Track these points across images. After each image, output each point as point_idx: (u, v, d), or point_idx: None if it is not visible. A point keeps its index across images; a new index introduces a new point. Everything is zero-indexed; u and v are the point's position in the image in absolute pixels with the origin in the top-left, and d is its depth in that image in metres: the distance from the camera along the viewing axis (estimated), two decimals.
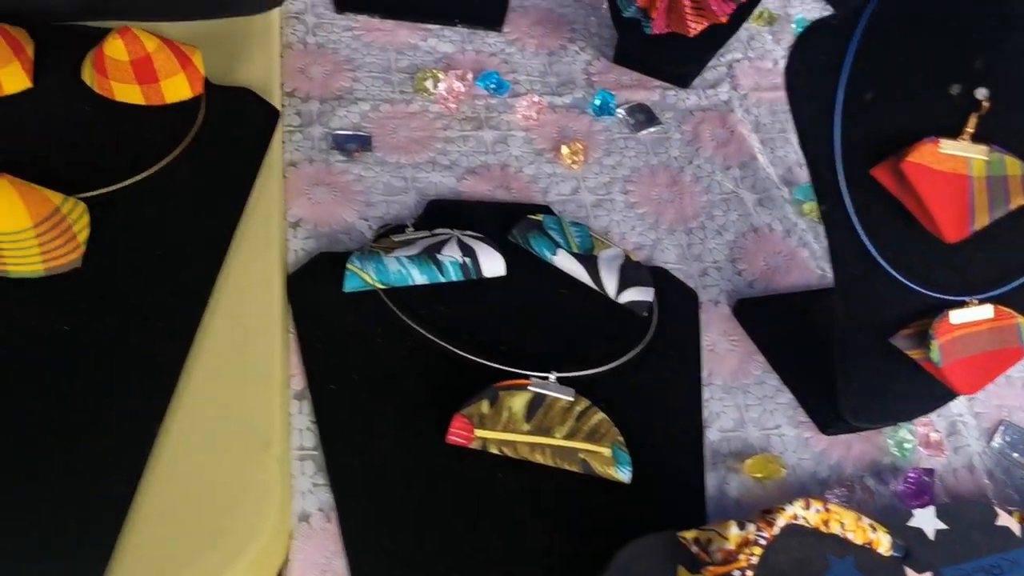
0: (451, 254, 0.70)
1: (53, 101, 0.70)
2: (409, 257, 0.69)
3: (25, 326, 0.58)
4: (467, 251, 0.71)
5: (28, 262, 0.59)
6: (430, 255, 0.70)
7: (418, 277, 0.70)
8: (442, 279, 0.70)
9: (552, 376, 0.65)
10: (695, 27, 0.86)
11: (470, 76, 0.88)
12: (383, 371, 0.66)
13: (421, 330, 0.67)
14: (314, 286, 0.69)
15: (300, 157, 0.79)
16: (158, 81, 0.69)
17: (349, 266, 0.69)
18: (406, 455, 0.62)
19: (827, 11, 1.08)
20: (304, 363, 0.66)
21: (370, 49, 0.91)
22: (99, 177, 0.66)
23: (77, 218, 0.61)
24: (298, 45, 0.89)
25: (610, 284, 0.72)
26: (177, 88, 0.70)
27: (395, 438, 0.63)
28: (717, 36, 0.89)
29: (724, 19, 0.85)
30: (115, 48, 0.67)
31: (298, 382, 0.65)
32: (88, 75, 0.70)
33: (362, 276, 0.68)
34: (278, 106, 0.77)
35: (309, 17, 0.92)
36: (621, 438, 0.64)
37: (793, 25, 1.04)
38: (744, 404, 0.71)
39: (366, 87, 0.87)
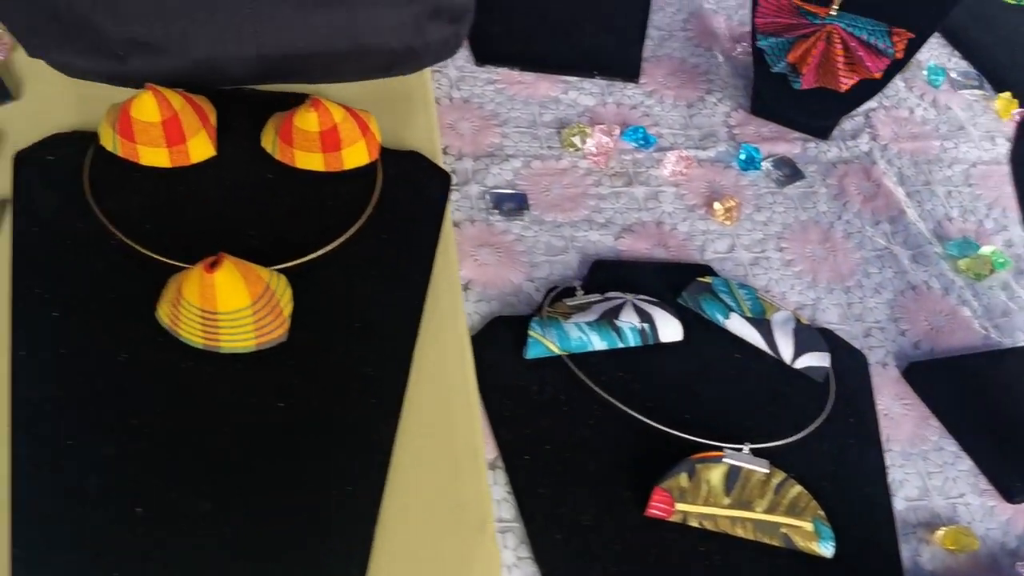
0: (629, 320, 0.70)
1: (236, 169, 0.71)
2: (588, 323, 0.70)
3: (239, 401, 0.59)
4: (644, 316, 0.71)
5: (242, 338, 0.60)
6: (608, 321, 0.70)
7: (598, 343, 0.70)
8: (620, 345, 0.70)
9: (746, 448, 0.65)
10: (846, 82, 0.86)
11: (616, 131, 0.88)
12: (573, 440, 0.66)
13: (611, 399, 0.67)
14: (495, 352, 0.69)
15: (462, 217, 0.79)
16: (341, 149, 0.70)
17: (531, 333, 0.69)
18: (607, 528, 0.62)
19: (955, 56, 1.07)
20: (494, 432, 0.66)
21: (514, 103, 0.91)
22: (289, 247, 0.66)
23: (283, 292, 0.62)
24: (444, 100, 0.89)
25: (786, 349, 0.72)
26: (357, 155, 0.71)
27: (594, 510, 0.63)
28: (864, 90, 0.88)
29: (878, 75, 0.85)
30: (307, 120, 0.67)
31: (490, 451, 0.65)
32: (270, 142, 0.71)
33: (544, 343, 0.69)
34: (441, 165, 0.77)
35: (451, 71, 0.92)
36: (822, 512, 0.63)
37: (925, 72, 1.03)
38: (926, 471, 0.71)
39: (515, 143, 0.87)
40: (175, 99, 0.67)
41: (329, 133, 0.68)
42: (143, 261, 0.64)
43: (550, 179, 0.85)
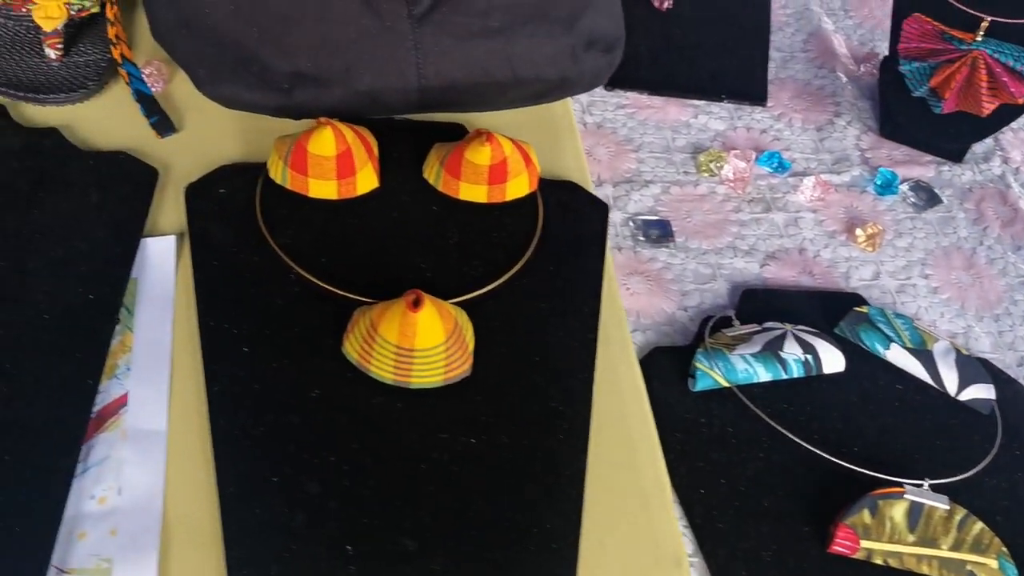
0: (792, 351, 0.70)
1: (400, 200, 0.71)
2: (753, 355, 0.69)
3: (431, 437, 0.59)
4: (807, 347, 0.70)
5: (432, 374, 0.60)
6: (773, 353, 0.70)
7: (763, 375, 0.69)
8: (784, 376, 0.70)
9: (926, 483, 0.65)
10: (988, 107, 0.85)
11: (751, 156, 0.88)
12: (747, 473, 0.66)
13: (787, 432, 0.67)
14: (660, 384, 0.70)
15: (609, 245, 0.79)
16: (506, 182, 0.70)
17: (699, 365, 0.69)
18: (790, 564, 0.62)
19: None
20: (668, 466, 0.65)
21: (646, 128, 0.91)
22: (460, 279, 0.67)
23: (466, 327, 0.62)
24: (578, 125, 0.90)
25: (950, 381, 0.72)
26: (519, 186, 0.71)
27: (775, 546, 0.62)
28: (1004, 115, 0.87)
29: (1021, 100, 0.84)
30: (480, 154, 0.68)
31: None
32: (432, 174, 0.72)
33: (712, 375, 0.68)
34: (590, 188, 0.77)
35: (582, 96, 0.93)
36: (1005, 549, 0.63)
37: None
38: None
39: (651, 168, 0.87)
40: (348, 133, 0.67)
41: (498, 167, 0.69)
42: (321, 295, 0.64)
43: (690, 205, 0.85)
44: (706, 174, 0.87)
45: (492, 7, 0.71)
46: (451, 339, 0.59)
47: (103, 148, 0.72)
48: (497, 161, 0.68)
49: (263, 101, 0.72)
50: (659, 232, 0.81)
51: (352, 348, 0.61)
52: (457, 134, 0.76)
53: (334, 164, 0.67)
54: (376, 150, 0.72)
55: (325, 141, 0.66)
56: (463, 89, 0.74)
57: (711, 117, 0.93)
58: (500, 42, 0.72)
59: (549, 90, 0.77)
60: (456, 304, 0.64)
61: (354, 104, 0.72)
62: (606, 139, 0.89)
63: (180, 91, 0.77)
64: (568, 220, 0.73)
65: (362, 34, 0.70)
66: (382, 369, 0.59)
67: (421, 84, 0.72)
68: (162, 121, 0.73)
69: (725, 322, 0.74)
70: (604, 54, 0.76)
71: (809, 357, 0.70)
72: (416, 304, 0.56)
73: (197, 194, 0.69)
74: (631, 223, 0.81)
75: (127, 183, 0.69)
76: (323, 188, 0.69)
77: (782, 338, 0.71)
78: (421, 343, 0.58)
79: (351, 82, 0.71)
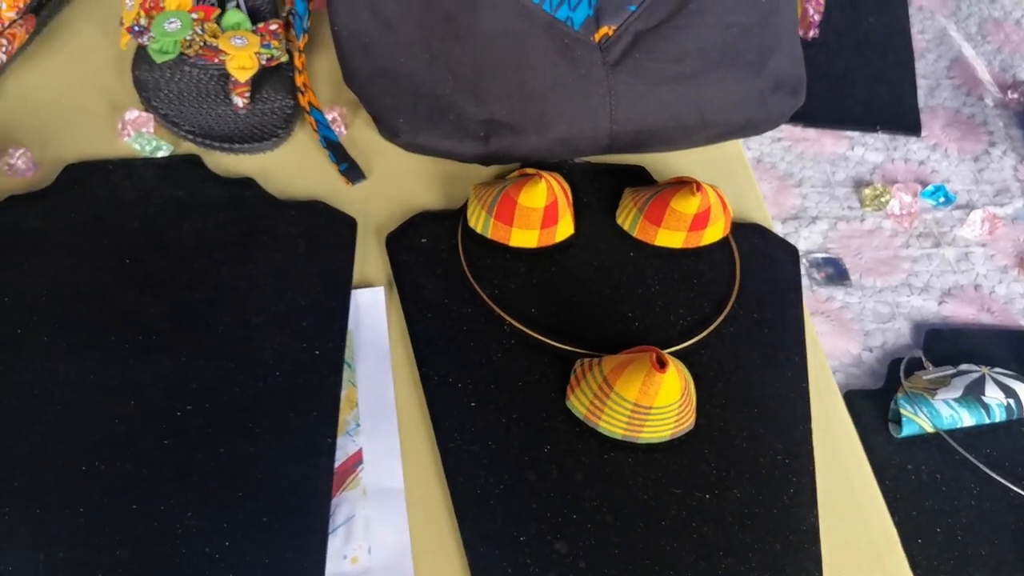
0: (994, 395, 0.69)
1: (596, 247, 0.71)
2: (956, 399, 0.69)
3: (664, 493, 0.59)
4: (1007, 391, 0.70)
5: (662, 429, 0.60)
6: (975, 397, 0.69)
7: (967, 420, 0.69)
8: (987, 421, 0.69)
9: None
10: None
11: (915, 189, 0.88)
12: (963, 522, 0.65)
13: (1003, 480, 0.66)
14: (860, 430, 0.69)
15: None
16: (705, 228, 0.70)
17: (903, 411, 0.68)
18: None
19: None
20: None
21: (804, 161, 0.91)
22: (666, 328, 0.67)
23: (689, 380, 0.62)
24: None
25: None
26: (715, 232, 0.71)
27: None
28: None
29: None
30: (687, 204, 0.68)
31: None
32: (628, 220, 0.72)
33: (918, 421, 0.68)
34: (772, 229, 0.77)
35: None
36: None
37: None
38: None
39: (815, 204, 0.87)
40: (555, 184, 0.67)
41: (702, 215, 0.69)
42: (537, 346, 0.65)
43: (859, 241, 0.84)
44: (871, 209, 0.87)
45: (684, 52, 0.71)
46: (684, 395, 0.59)
47: (297, 196, 0.72)
48: (702, 210, 0.68)
49: (459, 150, 0.72)
50: (833, 270, 0.81)
51: (579, 403, 0.61)
52: (642, 176, 0.76)
53: (541, 215, 0.67)
54: (571, 196, 0.72)
55: (538, 194, 0.66)
56: (651, 133, 0.74)
57: (867, 149, 0.93)
58: (691, 87, 0.72)
59: (733, 132, 0.77)
60: (671, 355, 0.64)
61: (546, 150, 0.73)
62: (767, 174, 0.88)
63: (362, 135, 0.77)
64: (762, 264, 0.73)
65: (557, 82, 0.70)
66: (613, 425, 0.60)
67: (613, 129, 0.72)
68: (352, 168, 0.74)
69: (916, 363, 0.74)
70: (790, 96, 0.76)
71: (1011, 401, 0.69)
72: (662, 365, 0.57)
73: (398, 244, 0.70)
74: (804, 261, 0.81)
75: (330, 233, 0.69)
76: (525, 237, 0.69)
77: (981, 382, 0.70)
78: (660, 401, 0.58)
79: (545, 129, 0.71)
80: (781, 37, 0.75)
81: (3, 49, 0.74)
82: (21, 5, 0.75)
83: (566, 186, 0.71)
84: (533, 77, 0.70)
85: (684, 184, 0.68)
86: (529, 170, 0.68)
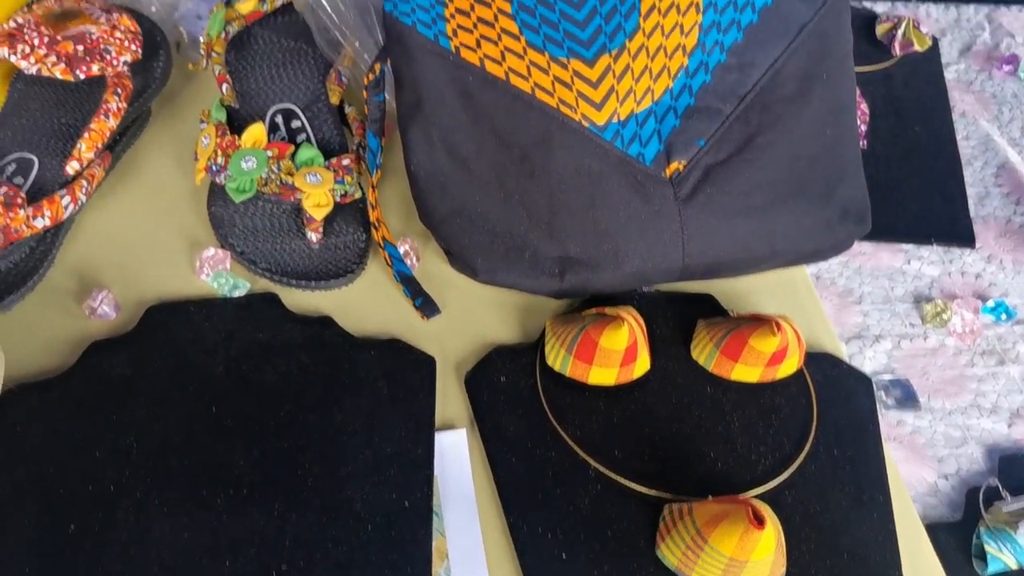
0: None
1: (672, 383, 0.72)
2: None
3: None
4: None
5: None
6: None
7: None
8: None
9: None
10: None
11: (975, 305, 0.88)
12: None
13: None
14: (945, 567, 0.69)
15: None
16: (781, 363, 0.70)
17: (987, 548, 0.68)
18: None
19: None
20: None
21: (862, 277, 0.91)
22: (750, 469, 0.67)
23: (780, 526, 0.62)
24: None
25: None
26: (790, 366, 0.72)
27: None
28: None
29: None
30: (768, 343, 0.68)
31: None
32: (703, 355, 0.72)
33: (1002, 558, 0.68)
34: (844, 357, 0.77)
35: None
36: None
37: None
38: None
39: (877, 321, 0.87)
40: (635, 325, 0.68)
41: (780, 352, 0.69)
42: (623, 491, 0.65)
43: (924, 361, 0.85)
44: (933, 326, 0.87)
45: (754, 186, 0.73)
46: (778, 546, 0.59)
47: (374, 333, 0.73)
48: (780, 348, 0.69)
49: (535, 287, 0.73)
50: (903, 394, 0.81)
51: (671, 553, 0.61)
52: (712, 305, 0.77)
53: (622, 355, 0.68)
54: (646, 331, 0.72)
55: (620, 337, 0.67)
56: (721, 264, 0.75)
57: (923, 262, 0.93)
58: (761, 220, 0.73)
59: (801, 259, 0.78)
60: (758, 498, 0.64)
61: (620, 284, 0.74)
62: (827, 291, 0.89)
63: (434, 266, 0.78)
64: (838, 397, 0.73)
65: (631, 219, 0.71)
66: None
67: (685, 262, 0.73)
68: (427, 303, 0.75)
69: (993, 493, 0.73)
70: (856, 225, 0.77)
71: None
72: (760, 522, 0.56)
73: (477, 383, 0.70)
74: (874, 384, 0.81)
75: (410, 374, 0.70)
76: (604, 375, 0.69)
77: None
78: (757, 556, 0.58)
79: (620, 265, 0.72)
80: (846, 166, 0.76)
81: (84, 190, 0.75)
82: (100, 144, 0.77)
83: (642, 322, 0.71)
84: (607, 214, 0.71)
85: (762, 322, 0.69)
86: (608, 310, 0.69)
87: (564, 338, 0.69)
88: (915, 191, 0.99)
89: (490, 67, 0.71)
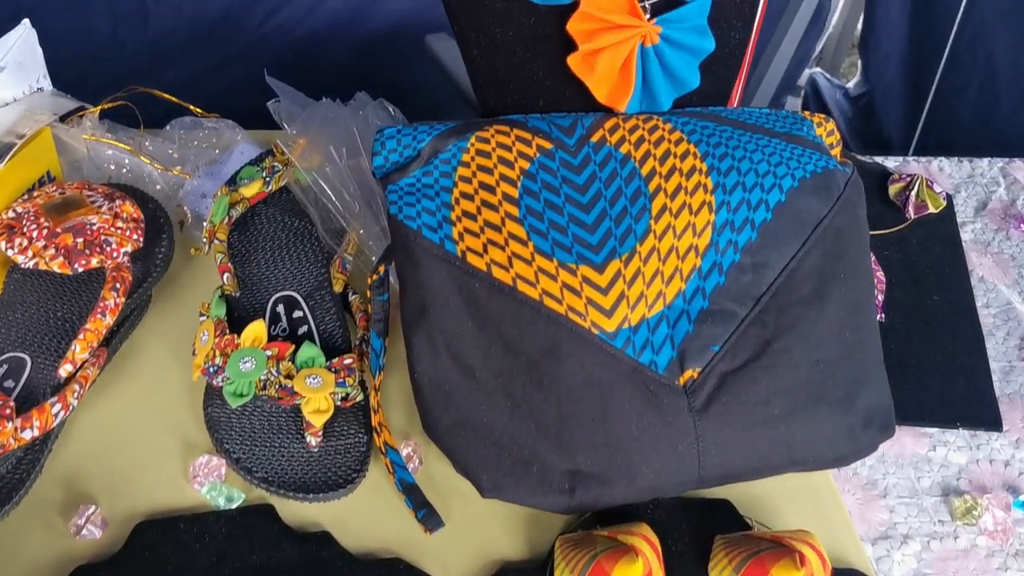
0: None
1: None
2: None
3: None
4: None
5: None
6: None
7: None
8: None
9: None
10: None
11: (1006, 500, 0.84)
12: None
13: None
14: None
15: None
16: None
17: None
18: None
19: None
20: None
21: (885, 465, 0.88)
22: None
23: None
24: None
25: None
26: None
27: None
28: None
29: None
30: (791, 574, 0.64)
31: None
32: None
33: None
34: (872, 572, 0.73)
35: None
36: None
37: None
38: None
39: (904, 519, 0.83)
40: (652, 556, 0.64)
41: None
42: None
43: (956, 564, 0.80)
44: (963, 523, 0.83)
45: (772, 393, 0.70)
46: None
47: (374, 549, 0.70)
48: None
49: (543, 504, 0.69)
50: None
51: None
52: (730, 513, 0.73)
53: None
54: (660, 550, 0.68)
55: (635, 572, 0.63)
56: (738, 473, 0.71)
57: (949, 448, 0.90)
58: (780, 429, 0.70)
59: (822, 466, 0.74)
60: None
61: (633, 498, 0.70)
62: (849, 483, 0.85)
63: (438, 471, 0.75)
64: None
65: (644, 431, 0.68)
66: None
67: (700, 475, 0.70)
68: (429, 515, 0.71)
69: None
70: (880, 432, 0.73)
71: None
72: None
73: None
74: None
75: None
76: None
77: None
78: None
79: (633, 479, 0.69)
80: (868, 370, 0.73)
81: (76, 394, 0.73)
82: (95, 344, 0.75)
83: (657, 544, 0.68)
84: (619, 426, 0.68)
85: (785, 551, 0.65)
86: (621, 535, 0.65)
87: (575, 565, 0.65)
88: (937, 368, 0.96)
89: (497, 273, 0.69)
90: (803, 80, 2.43)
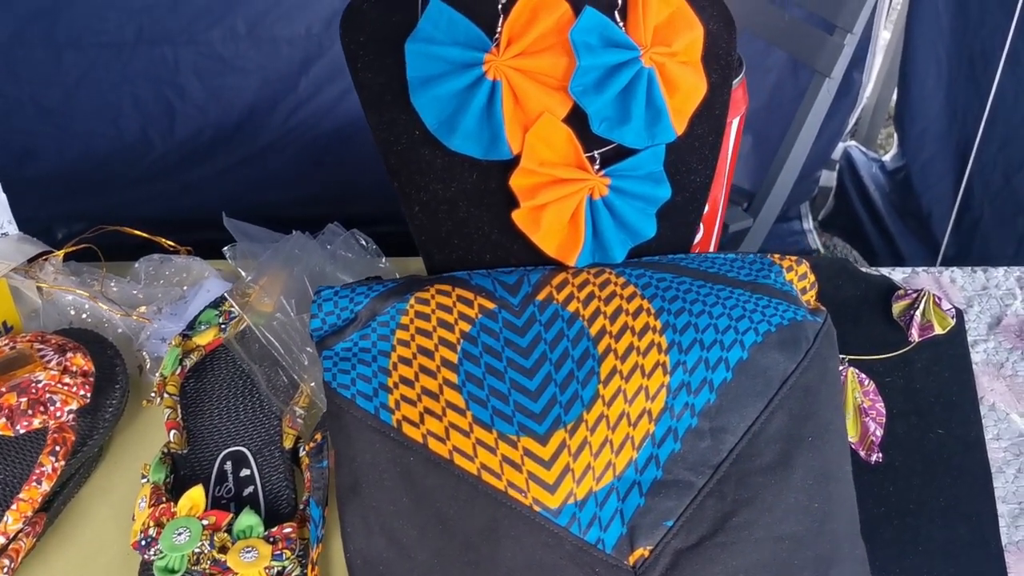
0: None
1: None
2: None
3: None
4: None
5: None
6: None
7: None
8: None
9: None
10: None
11: None
12: None
13: None
14: None
15: None
16: None
17: None
18: None
19: None
20: None
21: None
22: None
23: None
24: None
25: None
26: None
27: None
28: None
29: None
30: None
31: None
32: None
33: None
34: None
35: None
36: None
37: None
38: None
39: None
40: None
41: None
42: None
43: None
44: None
45: (730, 575, 0.64)
46: None
47: None
48: None
49: None
50: None
51: None
52: None
53: None
54: None
55: None
56: None
57: None
58: None
59: None
60: None
61: None
62: None
63: None
64: None
65: None
66: None
67: None
68: None
69: None
70: None
71: None
72: None
73: None
74: None
75: None
76: None
77: None
78: None
79: None
80: (840, 545, 0.68)
81: (6, 570, 0.70)
82: (29, 513, 0.72)
83: None
84: None
85: None
86: None
87: None
88: (938, 513, 0.89)
89: (433, 445, 0.65)
90: (837, 153, 2.38)
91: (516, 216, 0.71)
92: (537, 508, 0.64)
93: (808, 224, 2.41)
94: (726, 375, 0.68)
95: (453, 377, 0.67)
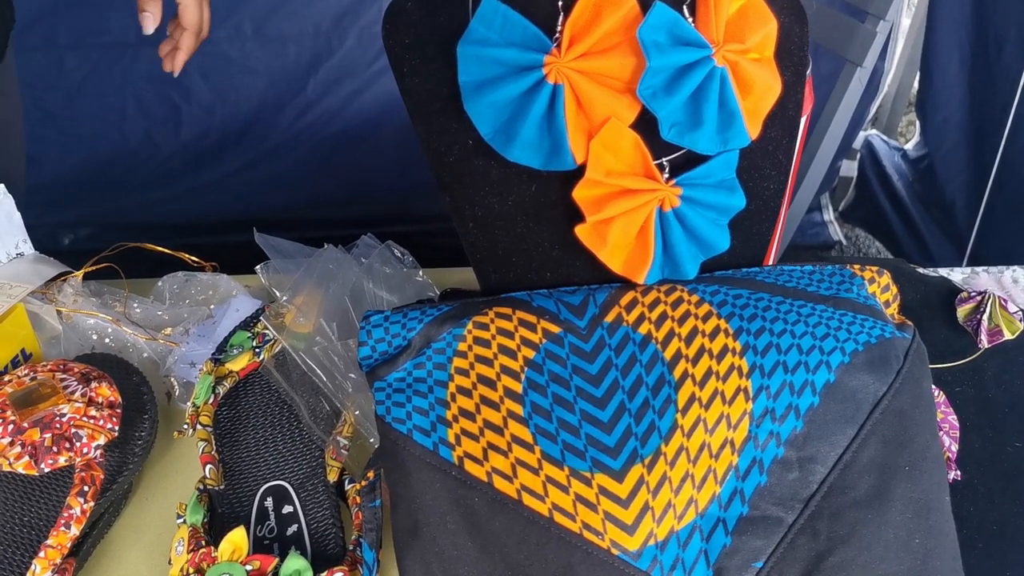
0: None
1: None
2: None
3: None
4: None
5: None
6: None
7: None
8: None
9: None
10: None
11: None
12: None
13: None
14: None
15: None
16: None
17: None
18: None
19: None
20: None
21: None
22: None
23: None
24: None
25: None
26: None
27: None
28: None
29: None
30: None
31: None
32: None
33: None
34: None
35: None
36: None
37: None
38: None
39: None
40: None
41: None
42: None
43: None
44: None
45: None
46: None
47: None
48: None
49: None
50: None
51: None
52: None
53: None
54: None
55: None
56: None
57: None
58: None
59: None
60: None
61: None
62: None
63: None
64: None
65: None
66: None
67: None
68: None
69: None
70: None
71: None
72: None
73: None
74: None
75: None
76: None
77: None
78: None
79: None
80: None
81: None
82: (58, 560, 0.67)
83: None
84: None
85: None
86: None
87: None
88: (1021, 535, 0.83)
89: (499, 484, 0.60)
90: (859, 143, 2.32)
91: (580, 231, 0.65)
92: (615, 551, 0.58)
93: (828, 215, 2.35)
94: (813, 400, 0.62)
95: (518, 409, 0.61)
